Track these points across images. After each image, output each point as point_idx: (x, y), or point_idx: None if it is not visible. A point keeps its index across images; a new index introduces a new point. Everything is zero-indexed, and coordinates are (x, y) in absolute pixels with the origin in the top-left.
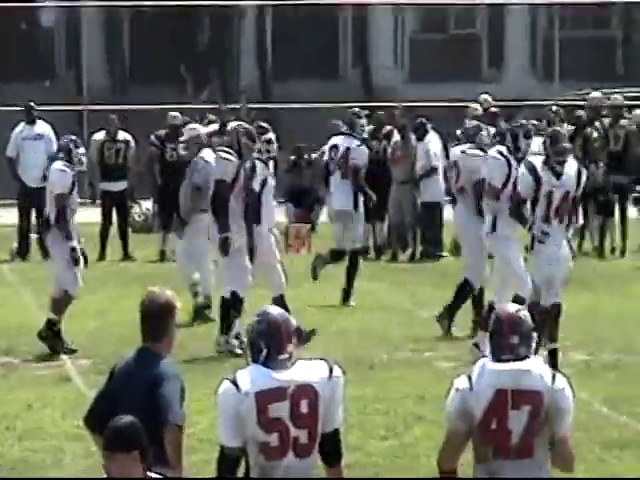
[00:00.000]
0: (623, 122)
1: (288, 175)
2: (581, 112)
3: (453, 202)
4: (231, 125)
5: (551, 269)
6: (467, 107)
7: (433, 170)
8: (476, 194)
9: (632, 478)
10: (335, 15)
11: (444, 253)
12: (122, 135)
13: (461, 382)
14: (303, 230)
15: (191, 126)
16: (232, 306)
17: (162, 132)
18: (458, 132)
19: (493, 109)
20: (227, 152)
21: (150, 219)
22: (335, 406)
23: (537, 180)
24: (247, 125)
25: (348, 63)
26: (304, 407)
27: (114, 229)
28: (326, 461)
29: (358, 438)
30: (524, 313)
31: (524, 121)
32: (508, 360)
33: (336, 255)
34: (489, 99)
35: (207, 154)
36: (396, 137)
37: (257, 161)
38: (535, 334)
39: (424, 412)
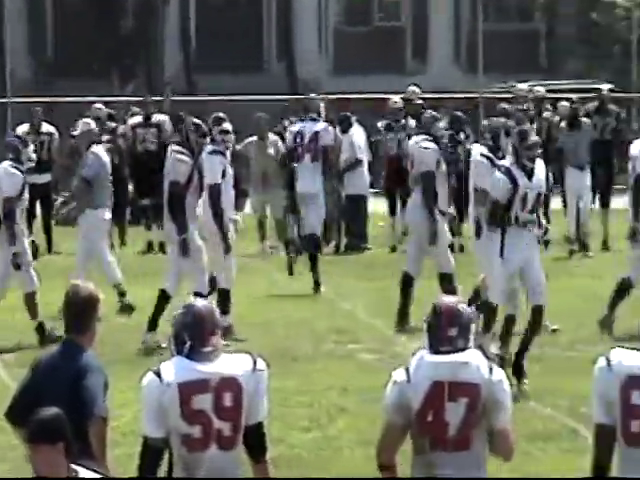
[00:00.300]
0: (546, 114)
1: None
2: (506, 105)
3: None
4: (184, 122)
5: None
6: (389, 99)
7: (358, 162)
8: (424, 185)
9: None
10: (259, 8)
11: (368, 245)
12: (46, 127)
13: (399, 374)
14: None
15: (85, 120)
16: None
17: None
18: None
19: (419, 101)
20: (181, 152)
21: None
22: (259, 399)
23: (514, 183)
24: (197, 120)
25: (272, 56)
26: (228, 400)
27: (38, 222)
28: (251, 454)
29: (281, 430)
30: (463, 305)
31: (503, 119)
32: (446, 352)
33: (310, 241)
34: (417, 90)
35: (98, 149)
36: None
37: (214, 153)
38: (473, 326)
39: (347, 404)
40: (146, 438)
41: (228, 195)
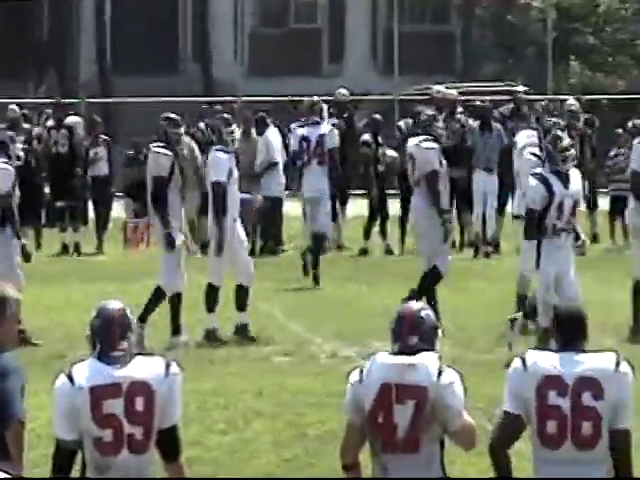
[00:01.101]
0: (459, 117)
1: (126, 170)
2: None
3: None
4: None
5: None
6: (303, 101)
7: (273, 165)
8: (429, 185)
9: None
10: (175, 10)
11: (284, 247)
12: None
13: (353, 375)
14: (141, 225)
15: None
16: (173, 306)
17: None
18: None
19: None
20: (161, 147)
21: None
22: (172, 403)
23: (550, 191)
24: (170, 114)
25: (188, 57)
26: (139, 404)
27: None
28: (165, 457)
29: (197, 433)
30: (426, 312)
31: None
32: (402, 353)
33: (318, 240)
34: (345, 92)
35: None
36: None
37: (221, 152)
38: (439, 331)
39: (262, 407)
40: (58, 440)
41: (234, 196)
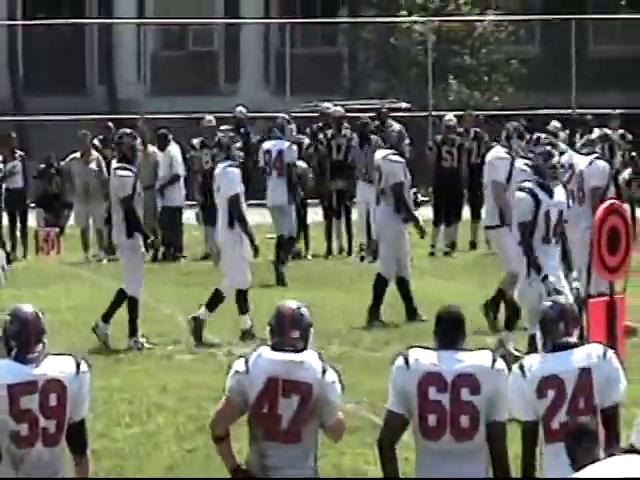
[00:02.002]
0: (345, 132)
1: (37, 182)
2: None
3: (377, 202)
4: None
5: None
6: (203, 118)
7: (176, 177)
8: (395, 195)
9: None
10: (82, 37)
11: (184, 254)
12: None
13: (239, 365)
14: (52, 234)
15: None
16: (132, 309)
17: None
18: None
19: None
20: (123, 168)
21: None
22: (82, 398)
23: (536, 201)
24: (128, 130)
25: (95, 79)
26: (53, 400)
27: None
28: (73, 449)
29: (105, 426)
30: (304, 310)
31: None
32: (286, 350)
33: (288, 244)
34: (243, 110)
35: None
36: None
37: (233, 167)
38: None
39: (166, 402)
40: None
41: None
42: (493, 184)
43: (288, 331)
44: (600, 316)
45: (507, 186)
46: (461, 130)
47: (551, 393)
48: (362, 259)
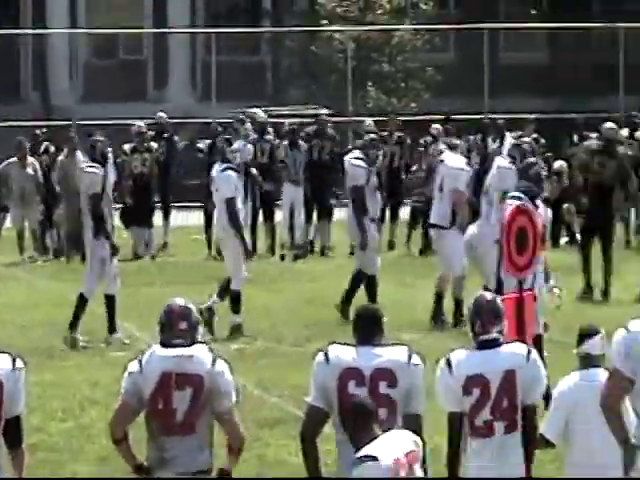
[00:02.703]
0: (268, 137)
1: None
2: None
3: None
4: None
5: None
6: (133, 125)
7: None
8: (352, 197)
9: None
10: (16, 46)
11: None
12: None
13: (132, 366)
14: None
15: None
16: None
17: None
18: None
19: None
20: (91, 166)
21: None
22: (18, 394)
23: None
24: (98, 136)
25: (29, 87)
26: None
27: None
28: (9, 444)
29: (40, 420)
30: (191, 306)
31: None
32: (176, 346)
33: None
34: (164, 116)
35: None
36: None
37: (229, 170)
38: (200, 326)
39: (97, 396)
40: None
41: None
42: (454, 192)
43: (177, 324)
44: (510, 312)
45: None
46: (384, 134)
47: (476, 391)
48: (282, 258)
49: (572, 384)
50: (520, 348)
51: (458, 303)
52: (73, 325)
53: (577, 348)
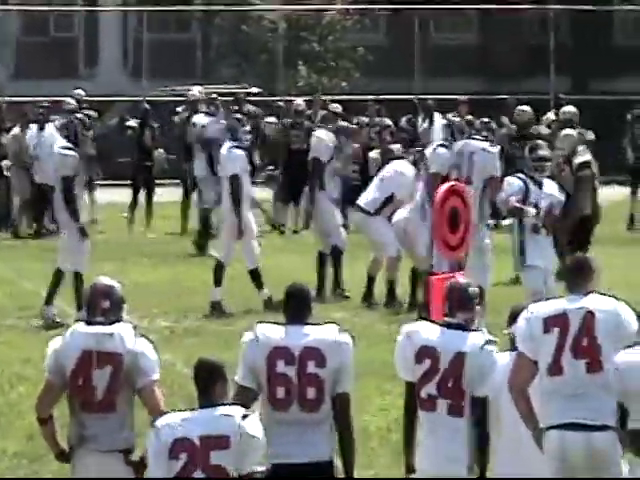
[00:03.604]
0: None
1: None
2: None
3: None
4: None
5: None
6: (62, 101)
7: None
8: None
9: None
10: None
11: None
12: None
13: (55, 343)
14: None
15: None
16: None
17: None
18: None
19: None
20: (67, 148)
21: None
22: None
23: (527, 189)
24: (80, 115)
25: None
26: None
27: None
28: None
29: None
30: (116, 285)
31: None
32: (98, 323)
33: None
34: (82, 93)
35: None
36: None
37: (238, 148)
38: (124, 305)
39: (28, 373)
40: None
41: (248, 187)
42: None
43: (100, 302)
44: (439, 293)
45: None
46: (310, 113)
47: (426, 362)
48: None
49: (501, 365)
50: (479, 337)
51: (391, 284)
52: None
53: (507, 329)
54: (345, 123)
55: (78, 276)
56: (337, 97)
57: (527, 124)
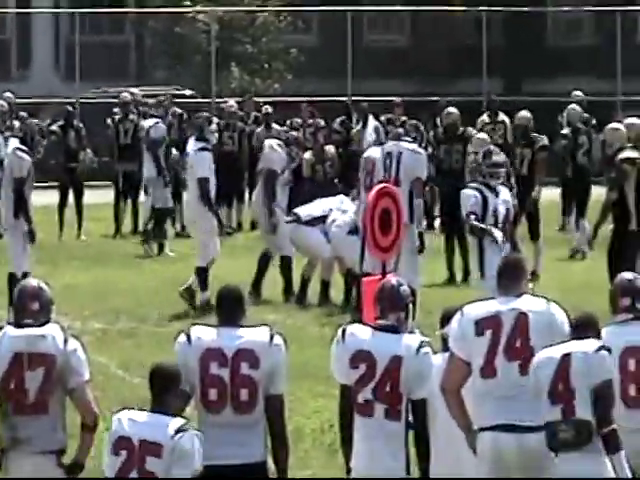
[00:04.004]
0: (132, 117)
1: None
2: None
3: None
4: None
5: None
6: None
7: None
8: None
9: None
10: None
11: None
12: None
13: None
14: None
15: None
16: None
17: None
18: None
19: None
20: (22, 150)
21: None
22: None
23: (484, 198)
24: (37, 121)
25: None
26: None
27: None
28: None
29: None
30: (44, 286)
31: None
32: (27, 326)
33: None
34: (11, 96)
35: None
36: None
37: (206, 150)
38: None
39: None
40: None
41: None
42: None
43: (29, 304)
44: (371, 295)
45: None
46: (242, 114)
47: (362, 367)
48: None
49: (434, 367)
50: (414, 340)
51: (325, 285)
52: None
53: (440, 330)
54: (294, 132)
55: (14, 278)
56: (270, 99)
57: (453, 126)
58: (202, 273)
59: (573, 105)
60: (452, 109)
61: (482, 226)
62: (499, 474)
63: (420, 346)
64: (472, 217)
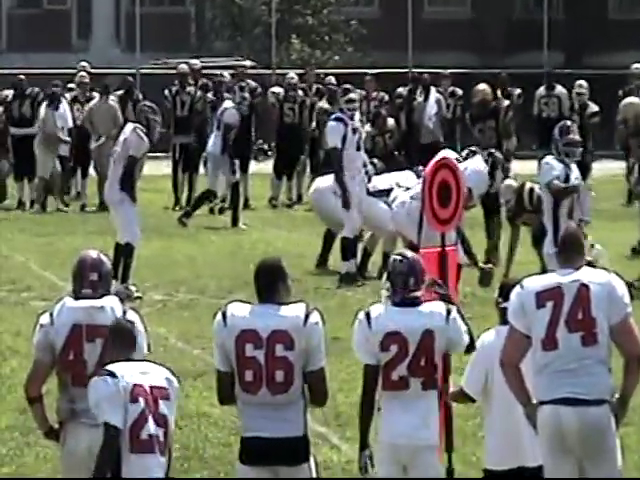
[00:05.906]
0: (190, 89)
1: None
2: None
3: None
4: None
5: None
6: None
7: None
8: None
9: None
10: None
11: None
12: None
13: (44, 318)
14: None
15: None
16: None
17: None
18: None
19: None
20: (143, 132)
21: None
22: None
23: (566, 176)
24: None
25: None
26: None
27: None
28: None
29: None
30: (106, 258)
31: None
32: (87, 297)
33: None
34: (86, 65)
35: None
36: None
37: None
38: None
39: (19, 346)
40: None
41: None
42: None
43: (88, 275)
44: (433, 266)
45: None
46: (304, 86)
47: (394, 348)
48: (220, 211)
49: (492, 338)
50: (440, 307)
51: (387, 258)
52: None
53: (499, 302)
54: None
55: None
56: (330, 71)
57: (484, 102)
58: (350, 244)
59: None
60: (481, 85)
61: (567, 185)
62: (559, 448)
63: (448, 313)
64: (556, 182)
